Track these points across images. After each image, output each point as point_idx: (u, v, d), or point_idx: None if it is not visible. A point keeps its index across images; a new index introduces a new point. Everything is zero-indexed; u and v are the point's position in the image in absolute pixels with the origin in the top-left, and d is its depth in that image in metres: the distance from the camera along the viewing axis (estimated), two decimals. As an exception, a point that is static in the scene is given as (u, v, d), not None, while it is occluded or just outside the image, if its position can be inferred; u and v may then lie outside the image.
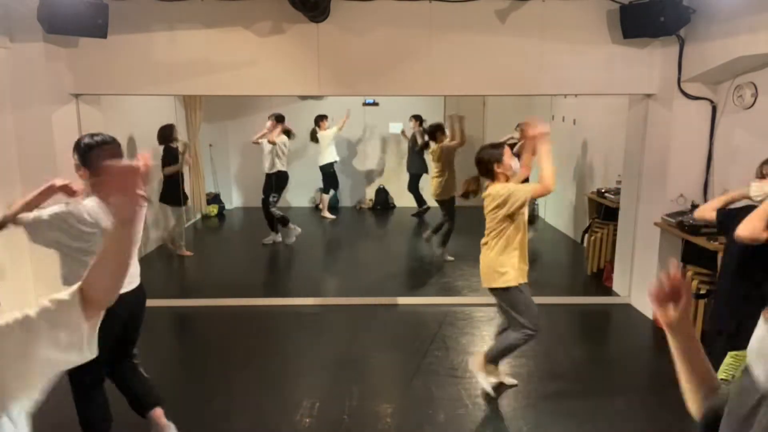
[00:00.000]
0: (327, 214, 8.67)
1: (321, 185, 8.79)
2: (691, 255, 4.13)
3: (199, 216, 8.50)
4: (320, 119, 8.34)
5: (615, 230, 5.37)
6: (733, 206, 2.80)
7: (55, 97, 4.28)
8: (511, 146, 3.70)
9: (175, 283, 5.84)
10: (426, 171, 8.04)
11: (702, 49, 4.13)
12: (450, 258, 6.18)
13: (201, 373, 3.76)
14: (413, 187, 8.36)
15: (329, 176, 8.55)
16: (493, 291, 3.32)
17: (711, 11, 3.97)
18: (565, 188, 7.43)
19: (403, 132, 8.72)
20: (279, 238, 6.96)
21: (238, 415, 3.22)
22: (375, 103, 9.21)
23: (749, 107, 3.96)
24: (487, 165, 3.27)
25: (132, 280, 2.71)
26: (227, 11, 4.36)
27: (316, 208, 9.19)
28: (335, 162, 8.51)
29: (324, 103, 8.86)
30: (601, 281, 5.56)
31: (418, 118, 8.30)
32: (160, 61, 4.41)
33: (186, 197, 6.52)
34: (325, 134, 8.31)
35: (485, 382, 3.37)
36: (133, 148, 6.25)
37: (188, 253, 6.41)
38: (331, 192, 8.88)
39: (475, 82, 4.55)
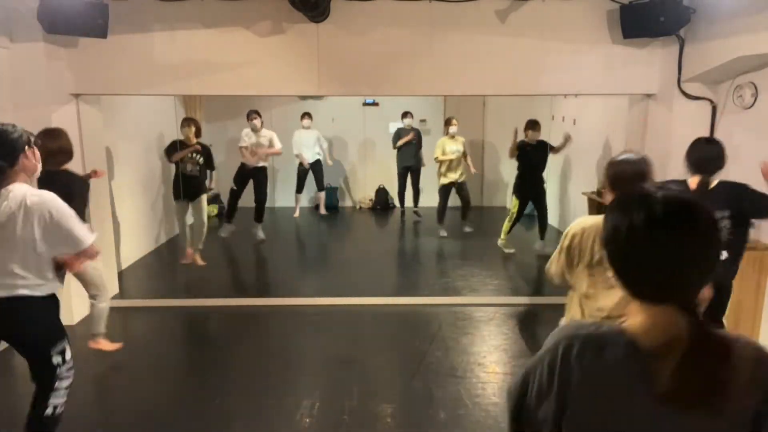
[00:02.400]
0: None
1: (316, 185, 8.82)
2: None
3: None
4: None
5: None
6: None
7: (55, 97, 4.28)
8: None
9: (174, 283, 5.84)
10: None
11: (702, 49, 4.13)
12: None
13: (201, 373, 3.76)
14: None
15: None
16: None
17: (711, 11, 3.97)
18: (564, 188, 7.43)
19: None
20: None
21: (238, 415, 3.22)
22: (375, 103, 9.21)
23: (749, 107, 3.96)
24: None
25: None
26: (227, 11, 4.36)
27: (316, 208, 9.19)
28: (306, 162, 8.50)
29: (324, 103, 8.86)
30: (601, 281, 5.55)
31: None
32: (160, 61, 4.41)
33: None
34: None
35: None
36: (132, 148, 6.25)
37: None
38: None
39: (475, 82, 4.55)
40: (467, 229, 7.47)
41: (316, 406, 3.30)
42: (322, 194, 8.86)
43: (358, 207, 9.53)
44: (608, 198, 2.22)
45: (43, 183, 2.60)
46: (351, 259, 6.75)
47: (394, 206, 9.41)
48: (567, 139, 6.36)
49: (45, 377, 2.49)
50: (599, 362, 0.95)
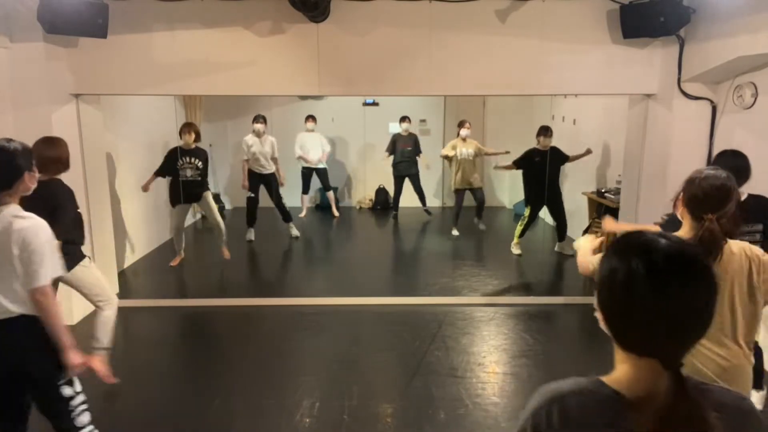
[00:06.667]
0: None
1: (321, 186, 8.78)
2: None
3: (198, 216, 8.50)
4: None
5: (615, 230, 5.37)
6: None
7: (55, 97, 4.28)
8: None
9: (174, 283, 5.84)
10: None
11: (702, 49, 4.13)
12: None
13: (201, 374, 3.76)
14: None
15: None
16: None
17: (711, 11, 3.98)
18: (565, 188, 7.42)
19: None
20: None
21: (238, 415, 3.22)
22: (375, 103, 9.22)
23: (749, 107, 3.96)
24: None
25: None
26: (227, 11, 4.36)
27: (316, 208, 9.20)
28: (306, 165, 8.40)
29: (324, 103, 8.86)
30: (601, 281, 5.55)
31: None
32: (160, 61, 4.42)
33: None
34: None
35: None
36: (132, 148, 6.25)
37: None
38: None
39: (475, 82, 4.55)
40: (481, 227, 7.52)
41: (316, 406, 3.30)
42: (331, 194, 8.79)
43: (358, 207, 9.53)
44: (680, 212, 2.01)
45: (33, 192, 2.47)
46: (351, 259, 6.75)
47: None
48: (587, 152, 6.26)
49: (61, 417, 2.31)
50: (583, 420, 0.95)
